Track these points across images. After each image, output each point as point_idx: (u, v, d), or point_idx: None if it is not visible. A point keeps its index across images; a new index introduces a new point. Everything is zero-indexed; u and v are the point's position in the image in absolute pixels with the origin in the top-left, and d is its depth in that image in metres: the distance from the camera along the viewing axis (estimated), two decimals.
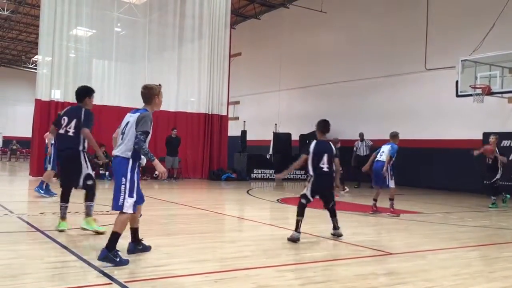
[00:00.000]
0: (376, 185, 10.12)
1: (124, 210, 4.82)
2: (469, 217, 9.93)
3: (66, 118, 6.59)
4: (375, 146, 19.76)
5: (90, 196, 6.50)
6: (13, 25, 32.75)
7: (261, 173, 19.79)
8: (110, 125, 17.68)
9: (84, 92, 6.77)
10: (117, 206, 4.82)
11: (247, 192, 14.12)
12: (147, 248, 5.44)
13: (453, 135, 16.97)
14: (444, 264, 5.41)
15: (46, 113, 16.54)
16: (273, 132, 23.59)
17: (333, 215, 6.88)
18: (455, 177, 16.67)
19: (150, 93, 5.57)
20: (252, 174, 20.01)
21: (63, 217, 6.46)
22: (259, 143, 24.39)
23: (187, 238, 6.61)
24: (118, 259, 4.64)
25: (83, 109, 6.62)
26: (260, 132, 24.63)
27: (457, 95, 14.80)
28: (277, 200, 12.14)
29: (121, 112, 17.87)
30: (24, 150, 34.91)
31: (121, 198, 4.81)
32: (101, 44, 18.78)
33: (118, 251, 4.75)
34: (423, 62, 18.10)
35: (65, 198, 6.55)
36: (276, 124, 24.35)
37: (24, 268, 4.56)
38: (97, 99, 17.60)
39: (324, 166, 6.72)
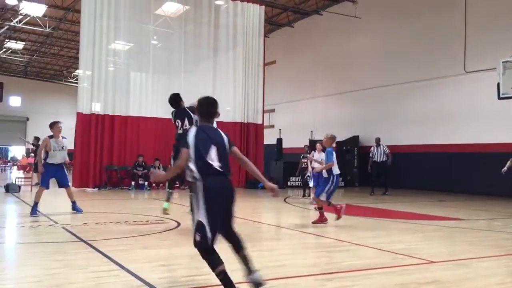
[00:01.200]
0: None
1: None
2: None
3: (179, 121, 8.30)
4: (404, 152, 19.50)
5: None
6: (55, 41, 33.93)
7: (298, 181, 19.71)
8: (148, 136, 18.10)
9: (176, 97, 8.56)
10: None
11: (284, 200, 14.09)
12: None
13: (494, 139, 16.45)
14: (488, 272, 5.25)
15: (87, 125, 17.03)
16: (309, 139, 23.49)
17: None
18: (497, 182, 16.12)
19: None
20: (288, 182, 19.97)
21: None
22: (295, 150, 24.31)
23: (226, 247, 6.65)
24: None
25: (187, 109, 8.17)
26: (296, 139, 24.57)
27: (499, 98, 14.34)
28: (315, 208, 12.05)
29: (158, 123, 18.30)
30: (67, 162, 35.99)
31: None
32: (138, 57, 19.21)
33: None
34: (462, 65, 17.68)
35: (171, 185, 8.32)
36: (311, 131, 24.25)
37: (69, 278, 4.69)
38: (135, 111, 18.11)
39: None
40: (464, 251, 6.46)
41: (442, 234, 8.03)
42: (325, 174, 9.04)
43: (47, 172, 9.45)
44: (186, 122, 8.09)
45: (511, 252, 6.43)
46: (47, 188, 9.60)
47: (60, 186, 9.94)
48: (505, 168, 12.22)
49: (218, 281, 4.58)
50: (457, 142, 17.66)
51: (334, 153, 8.76)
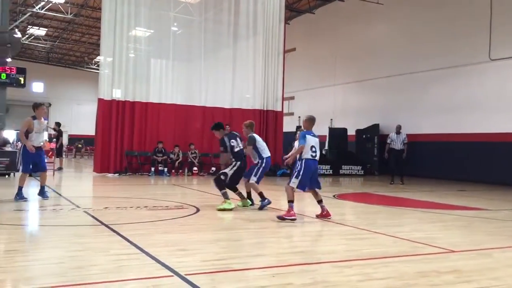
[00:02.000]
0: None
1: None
2: None
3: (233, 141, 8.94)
4: (425, 141, 19.22)
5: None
6: (76, 27, 34.22)
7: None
8: (168, 122, 18.21)
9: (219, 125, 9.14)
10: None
11: None
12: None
13: None
14: (511, 262, 5.17)
15: (108, 111, 17.19)
16: (329, 127, 23.35)
17: None
18: None
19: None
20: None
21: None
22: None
23: (245, 233, 6.69)
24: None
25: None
26: (315, 127, 24.33)
27: None
28: (334, 195, 12.02)
29: (178, 109, 18.39)
30: (88, 148, 36.57)
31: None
32: (159, 43, 19.26)
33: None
34: (487, 52, 17.31)
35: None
36: (331, 119, 24.10)
37: (91, 260, 4.77)
38: (155, 98, 18.21)
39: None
40: (486, 241, 6.37)
41: (462, 223, 7.93)
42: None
43: (28, 155, 8.97)
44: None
45: None
46: (30, 172, 9.40)
47: (36, 170, 9.42)
48: None
49: (237, 266, 4.62)
50: (480, 131, 17.37)
51: (307, 136, 7.86)
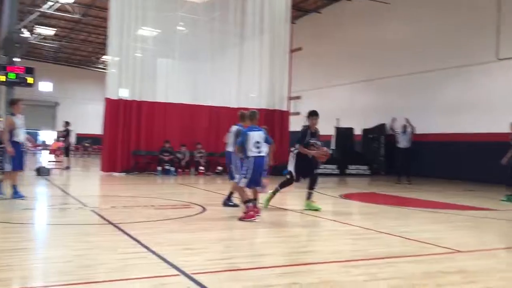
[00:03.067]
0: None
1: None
2: None
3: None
4: (433, 140, 19.12)
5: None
6: (84, 27, 34.35)
7: (323, 168, 19.60)
8: (174, 122, 18.26)
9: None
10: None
11: None
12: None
13: None
14: None
15: (115, 111, 17.25)
16: (335, 127, 23.30)
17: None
18: None
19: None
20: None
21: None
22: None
23: (251, 232, 6.70)
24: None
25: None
26: (321, 127, 24.27)
27: None
28: (340, 195, 12.01)
29: (184, 109, 18.43)
30: (94, 147, 36.76)
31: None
32: (165, 43, 19.31)
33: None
34: (494, 52, 17.21)
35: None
36: (337, 119, 24.05)
37: (98, 259, 4.80)
38: (162, 97, 18.27)
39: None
40: (493, 242, 6.35)
41: (470, 224, 7.90)
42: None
43: (16, 152, 8.77)
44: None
45: None
46: (21, 169, 9.25)
47: (17, 169, 9.03)
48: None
49: (243, 265, 4.63)
50: (489, 131, 17.26)
51: (249, 133, 7.50)
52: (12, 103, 9.28)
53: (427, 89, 20.00)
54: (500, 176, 16.64)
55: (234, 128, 8.62)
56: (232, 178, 8.64)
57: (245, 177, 7.43)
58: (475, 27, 18.06)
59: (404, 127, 15.98)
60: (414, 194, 12.55)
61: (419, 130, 18.03)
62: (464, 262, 5.11)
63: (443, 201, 11.28)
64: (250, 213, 7.28)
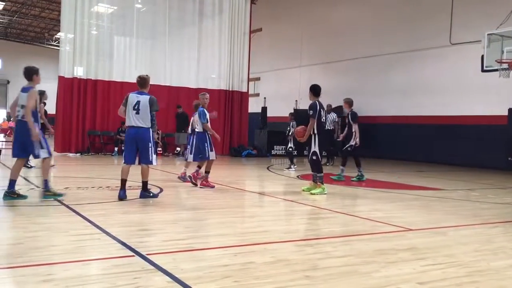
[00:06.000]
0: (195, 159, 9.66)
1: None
2: (492, 194, 9.81)
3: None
4: (386, 122, 19.61)
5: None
6: (36, 2, 32.98)
7: (282, 150, 19.80)
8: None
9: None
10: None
11: (268, 168, 14.17)
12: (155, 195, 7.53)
13: (478, 111, 16.65)
14: (465, 240, 5.39)
15: (69, 90, 16.77)
16: (294, 109, 23.47)
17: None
18: (478, 154, 16.43)
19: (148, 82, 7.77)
20: (272, 151, 20.06)
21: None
22: (280, 119, 24.30)
23: (207, 213, 6.71)
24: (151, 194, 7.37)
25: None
26: (280, 108, 24.53)
27: (483, 70, 14.43)
28: (297, 176, 12.17)
29: None
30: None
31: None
32: (122, 20, 18.82)
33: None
34: (447, 37, 17.68)
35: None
36: (296, 101, 24.22)
37: (51, 240, 4.69)
38: (119, 76, 17.85)
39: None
40: (442, 220, 6.60)
41: (420, 203, 8.18)
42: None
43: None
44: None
45: (488, 221, 6.59)
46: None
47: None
48: None
49: (198, 245, 4.64)
50: (442, 114, 17.81)
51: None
52: (34, 72, 7.45)
53: (382, 72, 20.39)
54: (452, 158, 17.31)
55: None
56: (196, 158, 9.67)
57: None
58: (429, 12, 18.46)
59: (329, 106, 15.54)
60: (367, 175, 12.85)
61: (373, 112, 18.41)
62: (415, 240, 5.30)
63: (393, 181, 11.63)
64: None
